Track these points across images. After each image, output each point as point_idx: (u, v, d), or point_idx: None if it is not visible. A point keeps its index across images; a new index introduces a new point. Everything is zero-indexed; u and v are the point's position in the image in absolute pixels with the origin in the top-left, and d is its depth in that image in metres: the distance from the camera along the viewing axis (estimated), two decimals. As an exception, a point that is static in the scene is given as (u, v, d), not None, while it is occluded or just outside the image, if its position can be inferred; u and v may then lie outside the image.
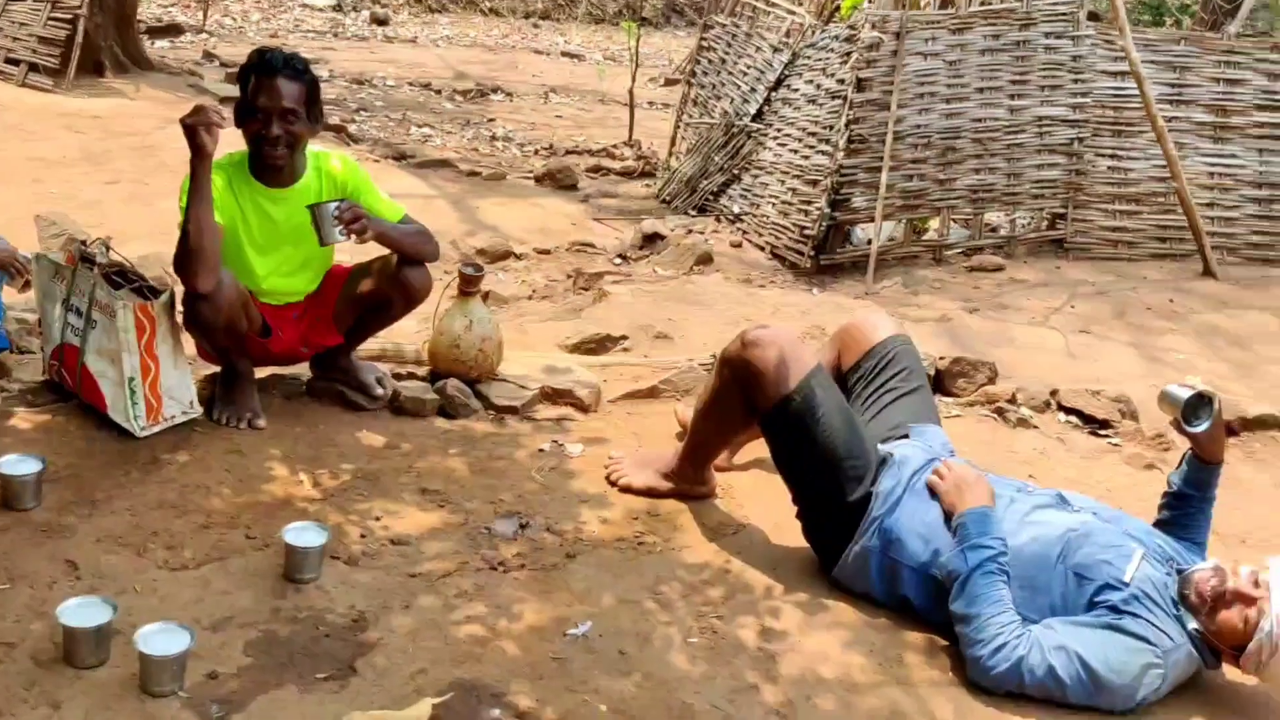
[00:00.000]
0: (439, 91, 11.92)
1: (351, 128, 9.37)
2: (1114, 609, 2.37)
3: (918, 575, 2.54)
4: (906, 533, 2.55)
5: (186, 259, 2.87)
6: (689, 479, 2.97)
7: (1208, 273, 6.36)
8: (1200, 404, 2.58)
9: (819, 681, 2.36)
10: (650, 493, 2.99)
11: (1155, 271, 6.36)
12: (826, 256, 6.06)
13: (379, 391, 3.38)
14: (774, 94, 6.88)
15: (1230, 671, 2.49)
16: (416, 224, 3.26)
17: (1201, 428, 2.58)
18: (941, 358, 3.94)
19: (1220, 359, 5.14)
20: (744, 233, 6.67)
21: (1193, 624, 2.39)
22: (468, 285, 3.46)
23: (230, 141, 2.92)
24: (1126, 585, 2.38)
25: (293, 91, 2.97)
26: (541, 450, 3.23)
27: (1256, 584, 2.36)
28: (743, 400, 2.68)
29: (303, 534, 2.52)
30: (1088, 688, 2.31)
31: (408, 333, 4.07)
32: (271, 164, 3.02)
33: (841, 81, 6.05)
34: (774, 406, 2.61)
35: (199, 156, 2.83)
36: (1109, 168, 6.56)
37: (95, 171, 6.77)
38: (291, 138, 2.99)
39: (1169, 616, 2.39)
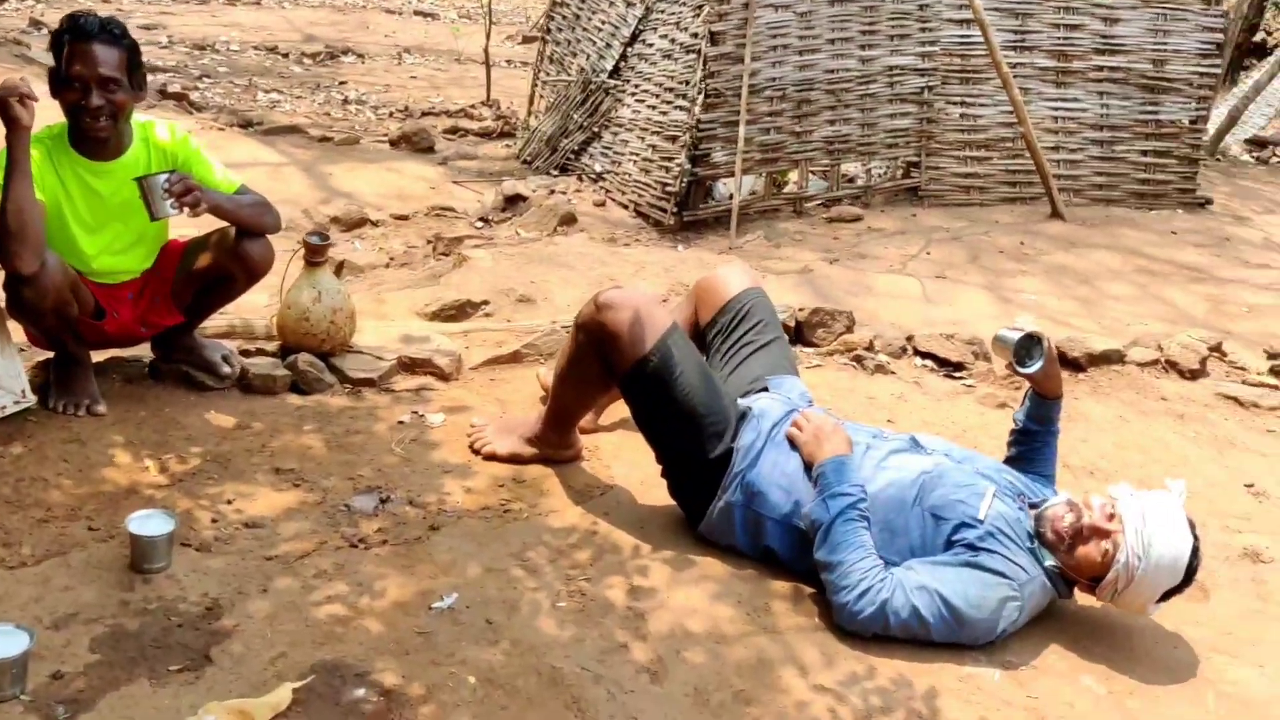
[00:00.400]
0: (286, 55, 11.49)
1: (194, 95, 8.97)
2: (970, 546, 2.44)
3: (781, 526, 2.56)
4: (768, 485, 2.56)
5: (6, 240, 2.68)
6: (553, 443, 2.94)
7: (1055, 214, 6.59)
8: (1031, 344, 2.66)
9: (688, 636, 2.37)
10: (515, 459, 2.94)
11: (1006, 215, 6.55)
12: (690, 213, 6.06)
13: (226, 370, 3.24)
14: (630, 49, 6.82)
15: (1081, 597, 2.59)
16: (254, 194, 3.11)
17: (1034, 367, 2.65)
18: (801, 309, 3.98)
19: (1068, 297, 5.33)
20: (607, 191, 6.63)
21: (1050, 560, 2.47)
22: (314, 255, 3.34)
23: (51, 114, 2.74)
24: (981, 522, 2.44)
25: (111, 58, 2.79)
26: (401, 422, 3.15)
27: (1111, 517, 2.45)
28: (600, 363, 2.66)
29: (148, 522, 2.40)
30: (950, 625, 2.37)
31: (257, 307, 3.92)
32: (93, 136, 2.85)
33: (695, 35, 6.03)
34: (631, 368, 2.59)
35: (14, 130, 2.65)
36: (959, 115, 6.71)
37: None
38: (113, 108, 2.82)
39: (1022, 550, 2.47)
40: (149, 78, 3.91)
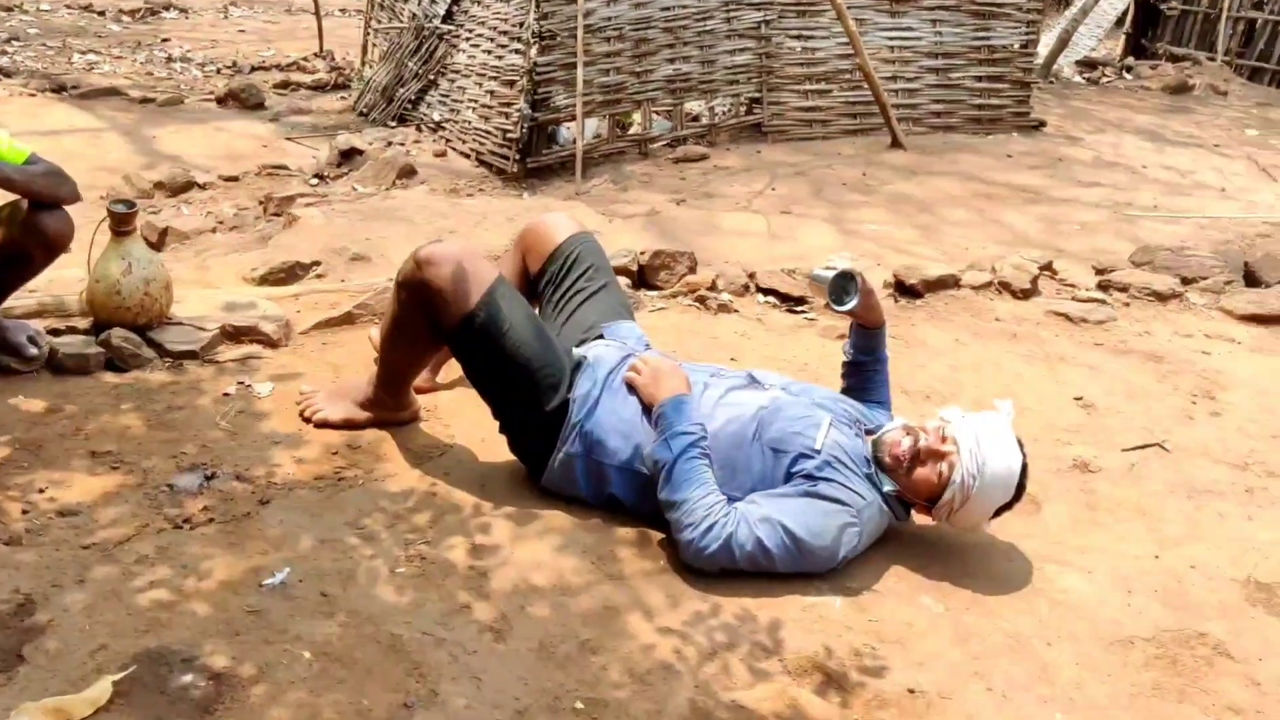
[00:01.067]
0: (102, 13, 10.88)
1: (2, 60, 8.40)
2: (809, 477, 2.45)
3: (623, 473, 2.53)
4: (607, 433, 2.53)
5: None
6: (388, 406, 2.84)
7: (896, 144, 6.70)
8: (845, 282, 2.68)
9: (532, 590, 2.32)
10: (349, 425, 2.84)
11: (849, 147, 6.63)
12: (533, 159, 5.96)
13: (32, 351, 3.03)
14: (462, -7, 6.63)
15: (918, 518, 2.64)
16: (46, 163, 2.89)
17: (851, 304, 2.68)
18: (642, 252, 3.94)
19: (909, 225, 5.43)
20: (447, 141, 6.46)
21: (889, 485, 2.51)
22: (121, 224, 3.14)
23: None
24: (818, 453, 2.46)
25: None
26: (226, 394, 3.00)
27: (944, 440, 2.49)
28: (426, 321, 2.56)
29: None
30: (794, 554, 2.38)
31: (70, 282, 3.69)
32: None
33: (526, -25, 5.89)
34: (458, 325, 2.51)
35: None
36: (798, 49, 6.74)
37: None
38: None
39: (860, 476, 2.49)
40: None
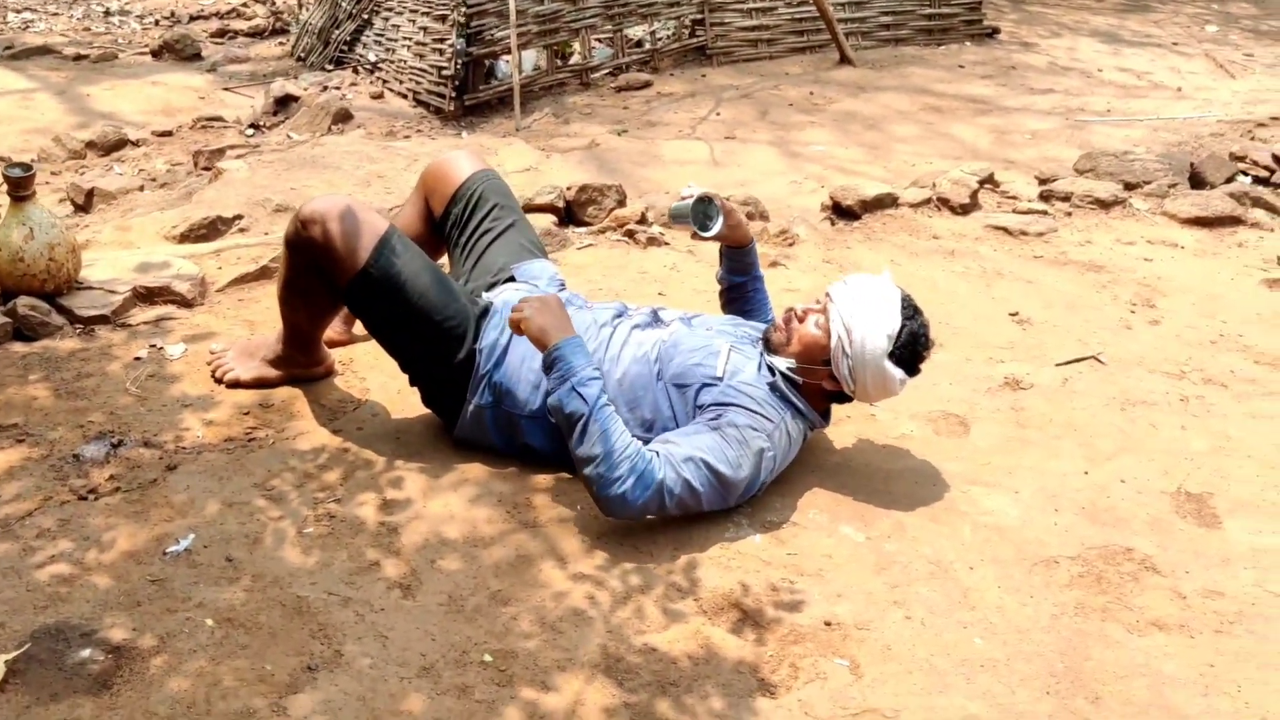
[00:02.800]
0: (37, -33, 10.54)
1: (-72, 22, 8.16)
2: (717, 404, 2.38)
3: (535, 422, 2.47)
4: (516, 382, 2.47)
5: None
6: (299, 362, 2.77)
7: (844, 60, 6.57)
8: (705, 207, 2.62)
9: (444, 543, 2.28)
10: (260, 384, 2.78)
11: (796, 66, 6.49)
12: (470, 96, 5.81)
13: (-63, 324, 2.95)
14: (391, -74, 6.42)
15: (841, 436, 2.60)
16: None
17: (716, 228, 2.63)
18: (569, 188, 3.85)
19: (856, 144, 5.33)
20: (384, 82, 6.30)
21: (784, 364, 2.44)
22: (17, 189, 3.04)
23: None
24: (720, 379, 2.40)
25: None
26: (138, 358, 2.93)
27: (819, 300, 2.48)
28: (320, 280, 2.48)
29: None
30: (718, 490, 2.33)
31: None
32: None
33: (449, -96, 5.69)
34: (352, 282, 2.43)
35: None
36: (739, -33, 6.57)
37: None
38: None
39: (766, 395, 2.42)
40: None
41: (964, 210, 4.09)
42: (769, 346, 2.48)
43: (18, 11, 9.04)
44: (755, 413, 2.38)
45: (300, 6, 7.67)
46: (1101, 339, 3.30)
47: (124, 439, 2.59)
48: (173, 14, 8.97)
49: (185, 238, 3.76)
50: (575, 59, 6.28)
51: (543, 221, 3.76)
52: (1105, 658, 2.08)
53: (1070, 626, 2.16)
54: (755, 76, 6.30)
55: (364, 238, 2.40)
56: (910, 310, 2.43)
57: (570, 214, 3.79)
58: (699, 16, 6.48)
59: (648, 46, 6.49)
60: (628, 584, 2.20)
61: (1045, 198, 4.28)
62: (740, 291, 2.78)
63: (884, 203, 4.05)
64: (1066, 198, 4.25)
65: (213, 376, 2.82)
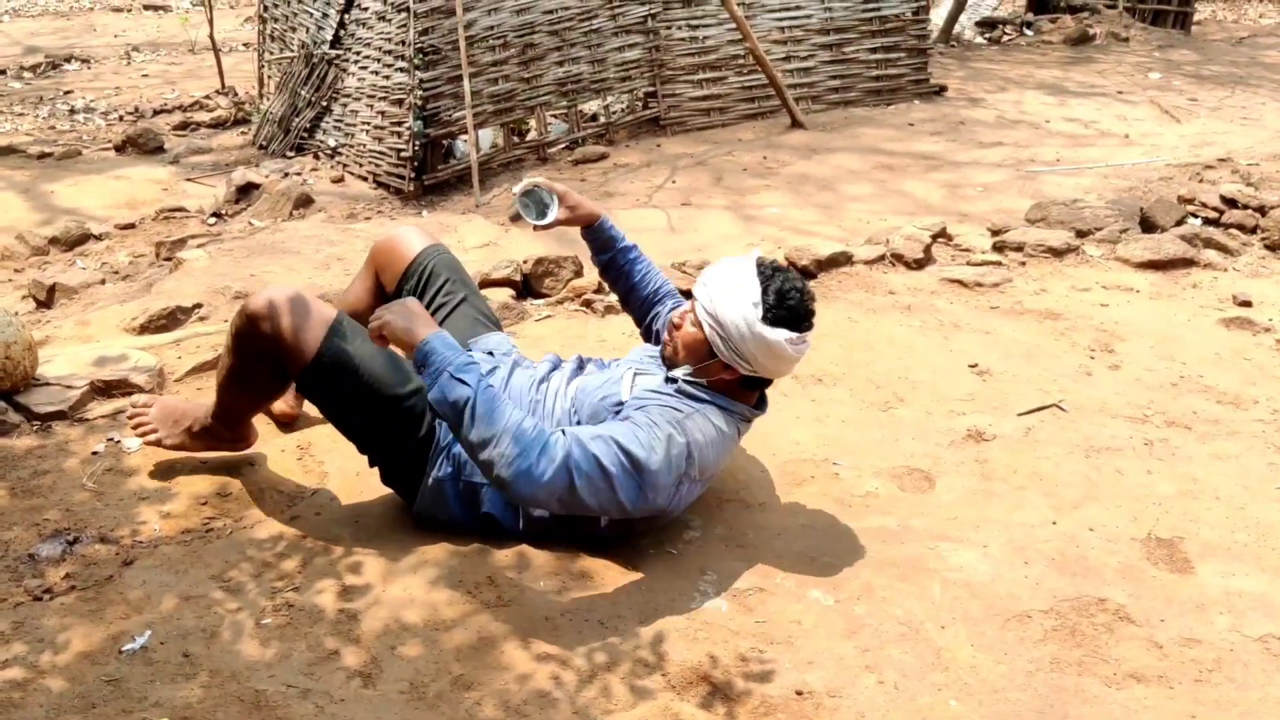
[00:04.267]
0: (3, 72, 10.66)
1: (-100, 131, 8.19)
2: (624, 410, 2.39)
3: (498, 492, 2.45)
4: None
5: None
6: (224, 438, 2.75)
7: (796, 124, 6.67)
8: (537, 195, 2.66)
9: (404, 629, 2.24)
10: (182, 450, 2.77)
11: (749, 132, 6.59)
12: (430, 176, 5.87)
13: (-108, 429, 2.91)
14: (347, 16, 6.51)
15: (802, 486, 2.58)
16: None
17: (553, 214, 2.66)
18: (525, 260, 3.86)
19: (810, 205, 5.40)
20: (344, 166, 6.35)
21: (680, 372, 2.41)
22: (-31, 288, 3.02)
23: None
24: (625, 402, 2.40)
25: None
26: (95, 453, 2.89)
27: (689, 295, 2.47)
28: (268, 370, 2.47)
29: None
30: (633, 476, 2.25)
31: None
32: None
33: (402, -8, 5.79)
34: (305, 371, 2.42)
35: None
36: (687, 39, 6.69)
37: None
38: None
39: (673, 398, 2.39)
40: None
41: (919, 265, 4.13)
42: (667, 364, 2.48)
43: (-15, 114, 9.09)
44: (663, 406, 2.35)
45: (261, 96, 7.75)
46: (1062, 386, 3.31)
47: (80, 536, 2.55)
48: (136, 109, 9.03)
49: (145, 329, 3.74)
50: (532, 135, 6.36)
51: (500, 296, 3.77)
52: (1084, 713, 2.05)
53: (1047, 683, 2.13)
54: (709, 144, 6.38)
55: (313, 327, 2.38)
56: (768, 271, 2.38)
57: (528, 286, 3.80)
58: (651, 89, 6.59)
59: (602, 120, 6.58)
60: (593, 662, 2.16)
61: (999, 249, 4.33)
62: (618, 270, 2.77)
63: (839, 261, 4.08)
64: (1020, 248, 4.30)
65: (133, 428, 2.78)
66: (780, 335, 2.34)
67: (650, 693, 2.09)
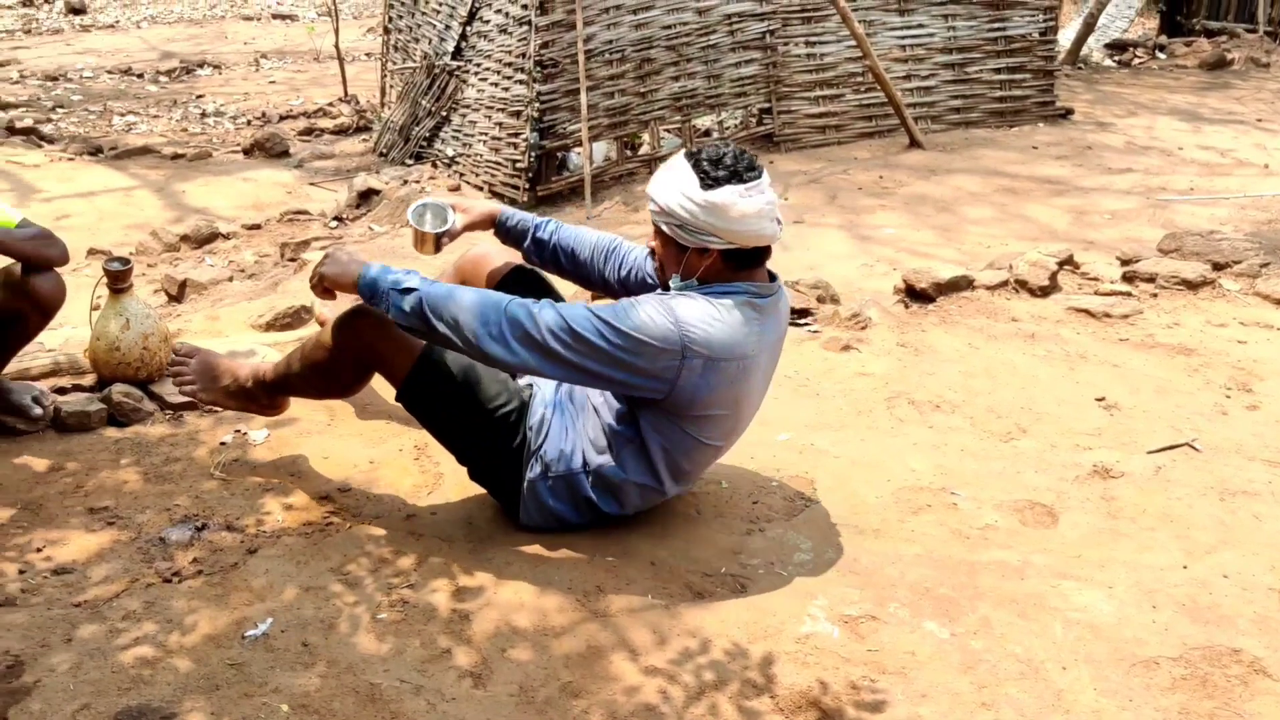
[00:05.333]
0: (141, 76, 11.14)
1: (46, 128, 8.62)
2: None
3: (592, 476, 2.49)
4: (561, 446, 2.50)
5: None
6: (261, 403, 2.83)
7: (914, 144, 6.57)
8: (432, 210, 2.69)
9: (515, 632, 2.26)
10: (216, 405, 2.90)
11: (865, 151, 6.51)
12: (543, 187, 5.94)
13: (37, 412, 3.06)
14: (469, 29, 6.63)
15: (917, 515, 2.52)
16: (36, 227, 2.94)
17: (453, 221, 2.69)
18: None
19: (927, 226, 5.30)
20: (461, 175, 6.46)
21: (674, 282, 2.40)
22: (116, 282, 3.17)
23: None
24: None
25: None
26: (223, 443, 2.99)
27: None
28: (360, 370, 2.58)
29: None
30: (606, 337, 2.27)
31: (84, 342, 3.72)
32: None
33: (525, 6, 5.86)
34: (404, 387, 2.50)
35: None
36: (805, 56, 6.64)
37: None
38: None
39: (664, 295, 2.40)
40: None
41: (1043, 292, 4.02)
42: (665, 288, 2.45)
43: (122, 115, 9.50)
44: (647, 298, 2.35)
45: (383, 105, 7.94)
46: (1195, 425, 3.18)
47: (207, 523, 2.64)
48: (264, 114, 9.35)
49: (270, 326, 3.86)
50: (644, 149, 6.38)
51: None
52: (1212, 765, 1.96)
53: (1173, 733, 2.05)
54: (823, 162, 6.33)
55: (408, 340, 2.46)
56: (694, 149, 2.36)
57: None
58: (767, 106, 6.56)
59: (716, 135, 6.57)
60: (701, 679, 2.15)
61: (1128, 279, 4.19)
62: (548, 247, 2.75)
63: (959, 285, 4.00)
64: (1151, 279, 4.16)
65: (169, 370, 2.89)
66: (726, 194, 2.28)
67: (758, 715, 2.06)
